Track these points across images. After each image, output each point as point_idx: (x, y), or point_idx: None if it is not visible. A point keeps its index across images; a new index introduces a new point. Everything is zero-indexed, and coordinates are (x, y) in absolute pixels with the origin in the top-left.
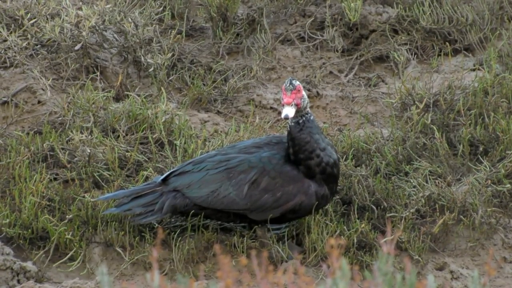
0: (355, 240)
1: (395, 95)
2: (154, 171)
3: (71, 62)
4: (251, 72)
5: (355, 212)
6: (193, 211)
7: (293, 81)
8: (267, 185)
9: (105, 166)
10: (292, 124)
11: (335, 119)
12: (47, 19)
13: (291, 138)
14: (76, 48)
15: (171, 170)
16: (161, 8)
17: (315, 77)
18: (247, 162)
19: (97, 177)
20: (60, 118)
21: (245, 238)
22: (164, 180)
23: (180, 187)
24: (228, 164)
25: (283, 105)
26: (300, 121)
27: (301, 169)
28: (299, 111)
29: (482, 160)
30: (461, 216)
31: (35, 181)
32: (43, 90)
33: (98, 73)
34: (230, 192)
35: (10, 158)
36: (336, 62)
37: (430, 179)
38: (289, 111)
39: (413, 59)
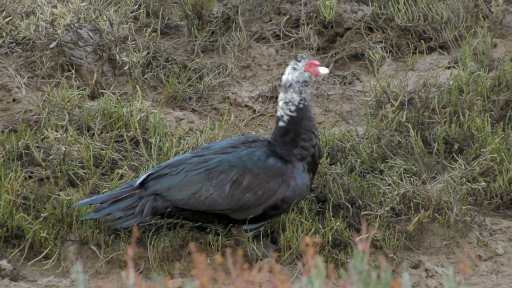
0: (330, 238)
1: (370, 93)
2: (129, 169)
3: (46, 60)
4: (226, 70)
5: (330, 210)
6: (170, 209)
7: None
8: (249, 183)
9: (80, 164)
10: (303, 104)
11: None
12: (22, 17)
13: (297, 120)
14: (51, 46)
15: (148, 173)
16: (136, 6)
17: None
18: (227, 162)
19: (72, 175)
20: (35, 116)
21: (220, 236)
22: (142, 184)
23: (160, 191)
24: (207, 165)
25: (315, 69)
26: (307, 99)
27: (296, 152)
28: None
29: (457, 158)
30: (436, 214)
31: (10, 179)
32: (18, 88)
33: (73, 71)
34: (211, 193)
35: None
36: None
37: (405, 177)
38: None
39: (388, 57)
